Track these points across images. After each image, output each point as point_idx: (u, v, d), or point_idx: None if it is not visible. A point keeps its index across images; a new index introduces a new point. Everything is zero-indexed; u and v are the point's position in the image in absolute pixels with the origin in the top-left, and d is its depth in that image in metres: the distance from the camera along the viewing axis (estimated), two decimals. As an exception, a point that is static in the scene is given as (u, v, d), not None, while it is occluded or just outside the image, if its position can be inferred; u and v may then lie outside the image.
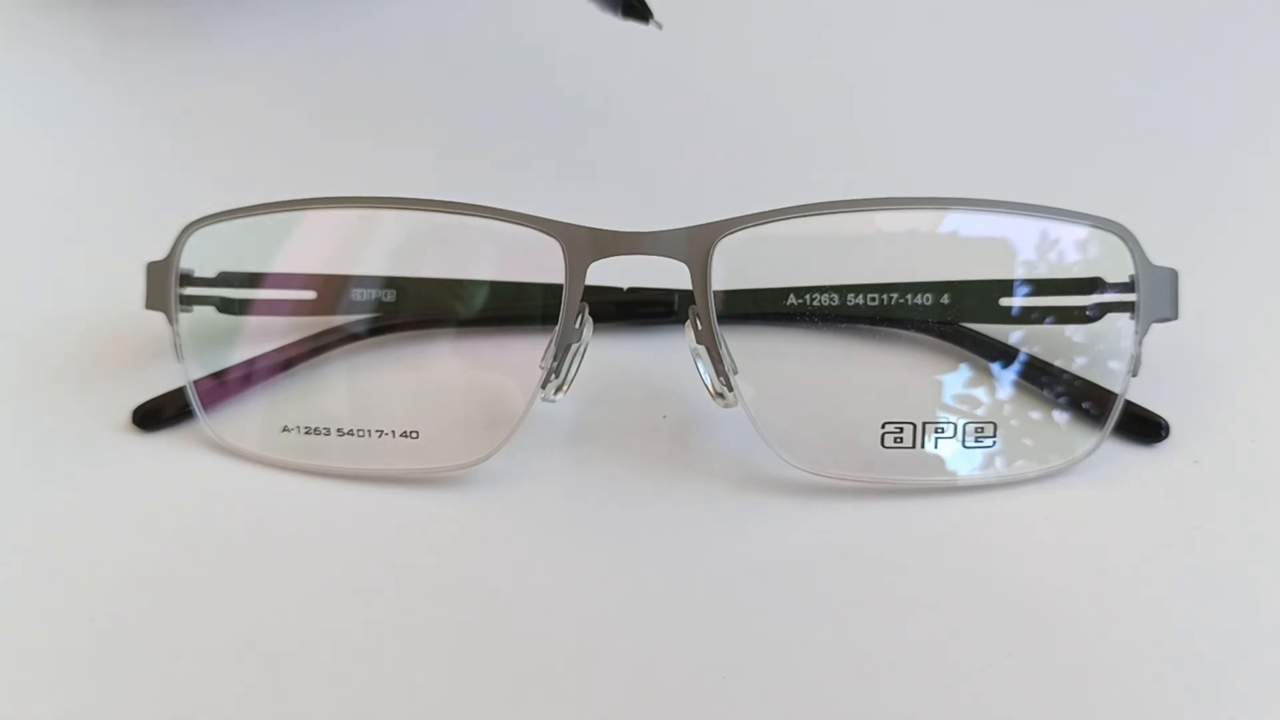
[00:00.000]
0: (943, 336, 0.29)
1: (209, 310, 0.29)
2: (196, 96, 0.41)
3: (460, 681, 0.22)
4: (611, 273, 0.27)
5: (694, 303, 0.26)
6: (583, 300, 0.26)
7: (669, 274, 0.27)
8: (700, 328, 0.26)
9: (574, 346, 0.26)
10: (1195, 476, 0.26)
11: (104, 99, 0.42)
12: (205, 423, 0.27)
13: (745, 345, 0.26)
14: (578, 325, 0.26)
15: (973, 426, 0.26)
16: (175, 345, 0.28)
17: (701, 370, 0.26)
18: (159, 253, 0.28)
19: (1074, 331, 0.28)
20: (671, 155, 0.38)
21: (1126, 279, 0.27)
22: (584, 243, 0.26)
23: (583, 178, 0.37)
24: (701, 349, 0.26)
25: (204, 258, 0.28)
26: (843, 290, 0.29)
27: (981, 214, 0.27)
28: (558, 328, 0.26)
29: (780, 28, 0.43)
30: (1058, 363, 0.28)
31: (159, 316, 0.28)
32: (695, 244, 0.25)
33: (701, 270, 0.25)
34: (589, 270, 0.26)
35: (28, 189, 0.38)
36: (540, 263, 0.26)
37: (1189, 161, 0.36)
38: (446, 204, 0.26)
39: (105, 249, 0.34)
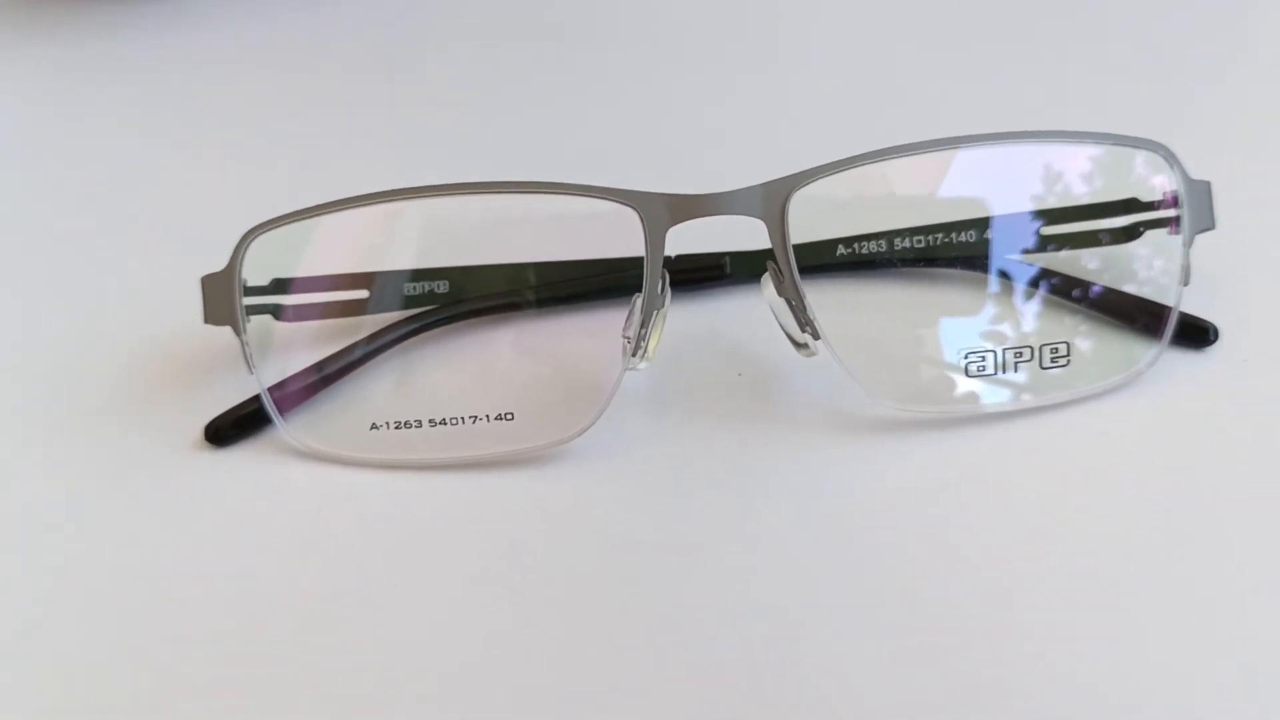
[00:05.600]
0: (990, 270, 0.30)
1: (265, 318, 0.28)
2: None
3: (617, 653, 0.23)
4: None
5: (771, 258, 0.26)
6: (664, 268, 0.26)
7: (705, 237, 0.28)
8: (782, 280, 0.26)
9: (655, 313, 0.27)
10: (1249, 372, 0.28)
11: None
12: (286, 431, 0.27)
13: (816, 297, 0.27)
14: (660, 291, 0.26)
15: (1048, 349, 0.27)
16: (246, 357, 0.27)
17: (783, 323, 0.27)
18: (172, 265, 0.28)
19: (1114, 251, 0.29)
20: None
21: (1161, 196, 0.28)
22: (660, 209, 0.26)
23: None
24: (782, 302, 0.26)
25: (254, 266, 0.28)
26: (890, 236, 0.30)
27: (1019, 145, 0.28)
28: (642, 295, 0.26)
29: None
30: (1099, 280, 0.29)
31: (198, 329, 0.28)
32: (771, 200, 0.26)
33: (779, 225, 0.26)
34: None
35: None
36: (609, 234, 0.27)
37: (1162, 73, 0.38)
38: (514, 184, 0.26)
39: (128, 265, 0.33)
